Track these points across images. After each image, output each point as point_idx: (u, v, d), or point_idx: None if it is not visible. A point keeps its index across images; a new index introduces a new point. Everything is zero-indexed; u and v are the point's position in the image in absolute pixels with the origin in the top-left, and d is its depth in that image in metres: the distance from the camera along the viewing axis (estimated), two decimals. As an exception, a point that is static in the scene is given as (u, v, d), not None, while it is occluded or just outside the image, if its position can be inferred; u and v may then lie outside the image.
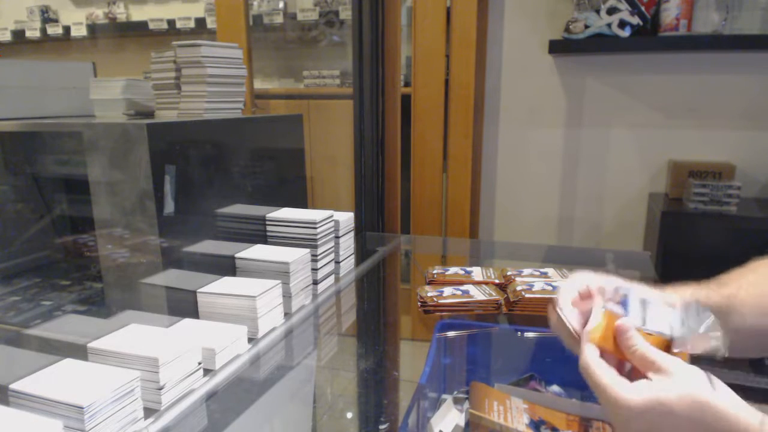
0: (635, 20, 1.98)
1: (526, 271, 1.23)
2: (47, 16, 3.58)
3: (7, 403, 0.66)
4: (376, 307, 1.33)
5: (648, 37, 2.04)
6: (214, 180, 1.19)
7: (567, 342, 0.62)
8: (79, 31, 3.43)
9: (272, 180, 1.41)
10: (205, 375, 0.83)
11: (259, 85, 3.15)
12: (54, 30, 3.48)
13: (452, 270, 1.28)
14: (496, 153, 2.44)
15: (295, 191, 1.53)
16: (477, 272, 1.26)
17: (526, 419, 0.79)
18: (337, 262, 1.26)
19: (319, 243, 1.15)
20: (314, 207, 1.26)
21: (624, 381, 0.52)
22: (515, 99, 2.36)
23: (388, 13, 1.80)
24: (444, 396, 0.94)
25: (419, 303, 1.12)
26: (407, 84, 2.41)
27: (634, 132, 2.24)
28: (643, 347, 0.53)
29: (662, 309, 0.59)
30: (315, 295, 1.16)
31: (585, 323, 0.59)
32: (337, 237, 1.24)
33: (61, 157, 1.41)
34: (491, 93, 2.38)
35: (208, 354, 0.85)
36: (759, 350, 0.66)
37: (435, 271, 1.28)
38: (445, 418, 0.83)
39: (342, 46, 3.03)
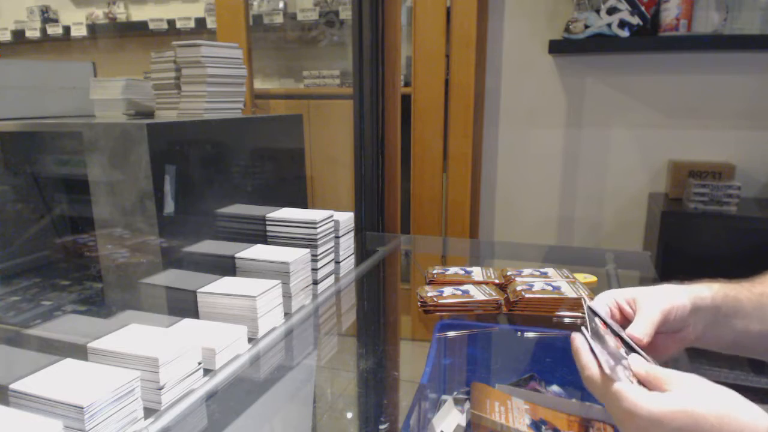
0: (635, 20, 1.98)
1: (526, 271, 1.23)
2: (47, 16, 3.58)
3: (7, 403, 0.66)
4: (376, 307, 1.32)
5: (648, 37, 2.04)
6: (214, 180, 1.19)
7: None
8: (79, 31, 3.43)
9: (272, 180, 1.41)
10: (205, 375, 0.83)
11: (259, 85, 3.15)
12: (54, 30, 3.47)
13: (452, 270, 1.28)
14: (496, 153, 2.43)
15: (295, 191, 1.53)
16: (477, 272, 1.26)
17: (527, 420, 0.79)
18: (337, 262, 1.26)
19: (319, 243, 1.15)
20: (314, 207, 1.26)
21: (642, 390, 0.50)
22: (515, 99, 2.36)
23: (388, 13, 1.80)
24: (444, 396, 0.94)
25: (419, 303, 1.12)
26: (407, 84, 2.41)
27: (634, 132, 2.24)
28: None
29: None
30: (315, 295, 1.16)
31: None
32: (337, 237, 1.24)
33: (61, 157, 1.40)
34: (491, 93, 2.38)
35: (208, 354, 0.85)
36: None
37: (435, 271, 1.28)
38: (447, 418, 0.83)
39: (342, 46, 3.02)
